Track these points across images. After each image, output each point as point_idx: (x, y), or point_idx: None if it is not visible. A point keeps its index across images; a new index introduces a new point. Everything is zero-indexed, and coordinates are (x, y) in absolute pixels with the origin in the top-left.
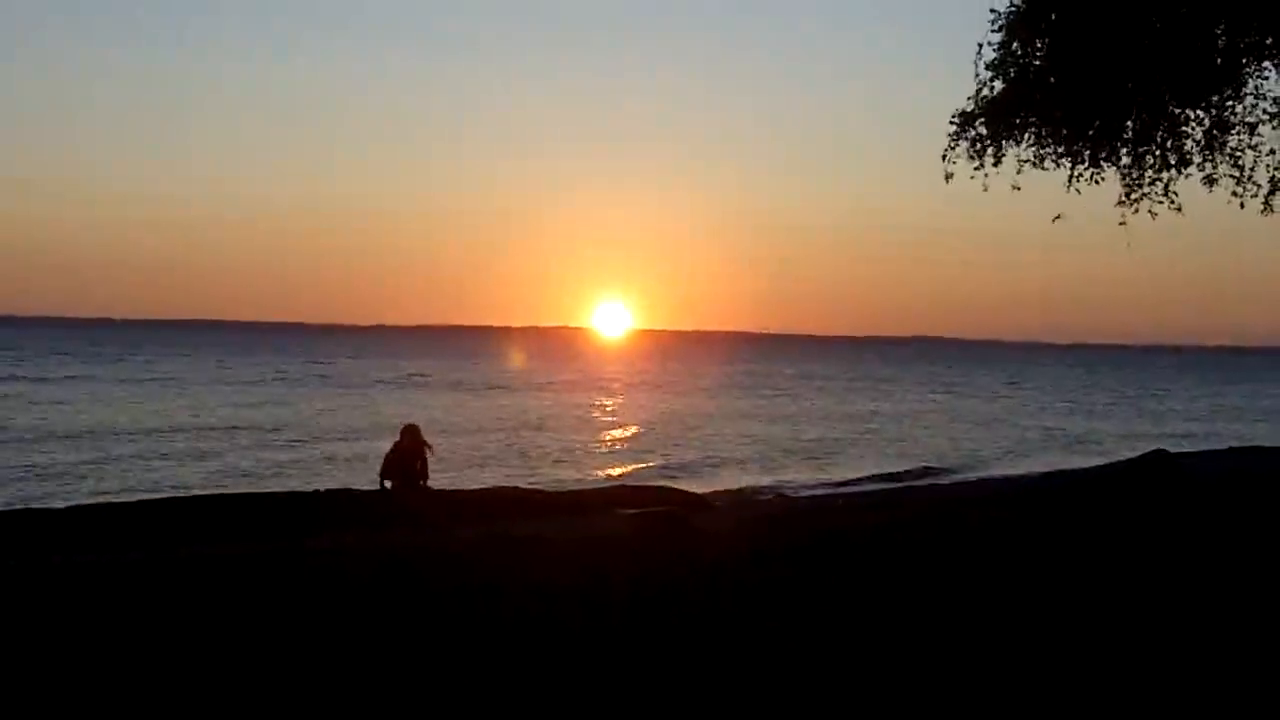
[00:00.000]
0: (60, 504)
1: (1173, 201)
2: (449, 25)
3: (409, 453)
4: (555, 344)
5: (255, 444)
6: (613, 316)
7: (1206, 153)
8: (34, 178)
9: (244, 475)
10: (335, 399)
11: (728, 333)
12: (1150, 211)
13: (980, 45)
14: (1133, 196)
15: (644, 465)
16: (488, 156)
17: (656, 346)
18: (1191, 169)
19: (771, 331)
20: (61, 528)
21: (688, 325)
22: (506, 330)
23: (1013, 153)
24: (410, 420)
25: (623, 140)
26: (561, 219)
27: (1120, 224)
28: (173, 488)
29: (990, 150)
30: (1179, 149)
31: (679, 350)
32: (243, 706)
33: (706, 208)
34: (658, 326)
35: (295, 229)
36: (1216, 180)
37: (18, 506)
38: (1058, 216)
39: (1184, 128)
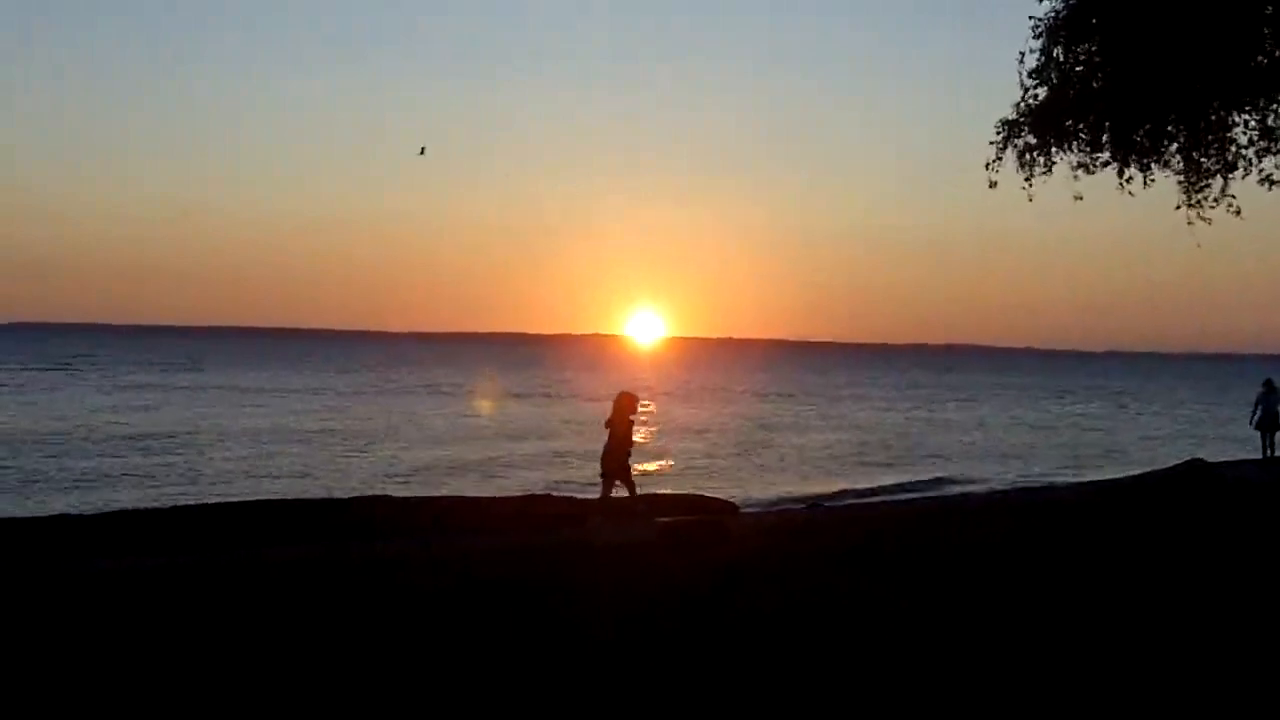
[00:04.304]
0: (93, 510)
1: (1231, 205)
2: (489, 46)
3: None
4: (590, 351)
5: (299, 450)
6: (646, 324)
7: (1262, 154)
8: (77, 188)
9: (287, 480)
10: (370, 405)
11: (761, 340)
12: (1201, 216)
13: (1022, 53)
14: (1196, 199)
15: (677, 472)
16: (525, 168)
17: (689, 354)
18: (1249, 171)
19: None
20: (93, 534)
21: (721, 333)
22: (541, 338)
23: (1062, 159)
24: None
25: (657, 151)
26: (596, 228)
27: (1189, 224)
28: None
29: (1040, 158)
30: (1223, 153)
31: (712, 358)
32: (282, 706)
33: (740, 216)
34: (691, 334)
35: (333, 238)
36: (1276, 181)
37: (68, 511)
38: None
39: (1229, 133)
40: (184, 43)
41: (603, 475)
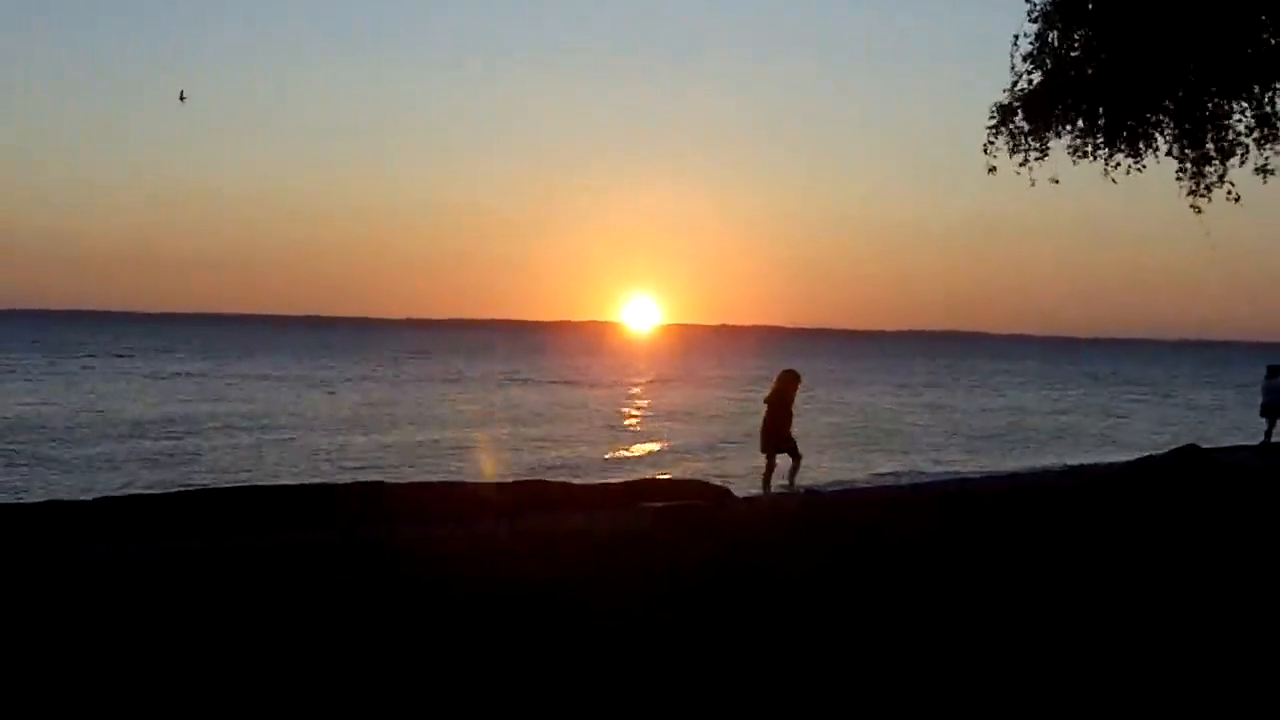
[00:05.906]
0: (92, 496)
1: (1230, 192)
2: (488, 36)
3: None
4: (586, 338)
5: (298, 435)
6: (642, 311)
7: (1260, 143)
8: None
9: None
10: (370, 392)
11: (756, 326)
12: (1194, 206)
13: (1016, 37)
14: (1201, 186)
15: (670, 458)
16: (521, 155)
17: (685, 340)
18: (1246, 158)
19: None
20: (91, 520)
21: (716, 320)
22: (541, 325)
23: (1053, 144)
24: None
25: (652, 138)
26: (593, 216)
27: (1198, 211)
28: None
29: (1032, 143)
30: (1220, 141)
31: (707, 344)
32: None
33: (736, 203)
34: (686, 321)
35: (332, 227)
36: (1272, 171)
37: (65, 497)
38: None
39: (1226, 120)
40: (185, 37)
41: (764, 451)
